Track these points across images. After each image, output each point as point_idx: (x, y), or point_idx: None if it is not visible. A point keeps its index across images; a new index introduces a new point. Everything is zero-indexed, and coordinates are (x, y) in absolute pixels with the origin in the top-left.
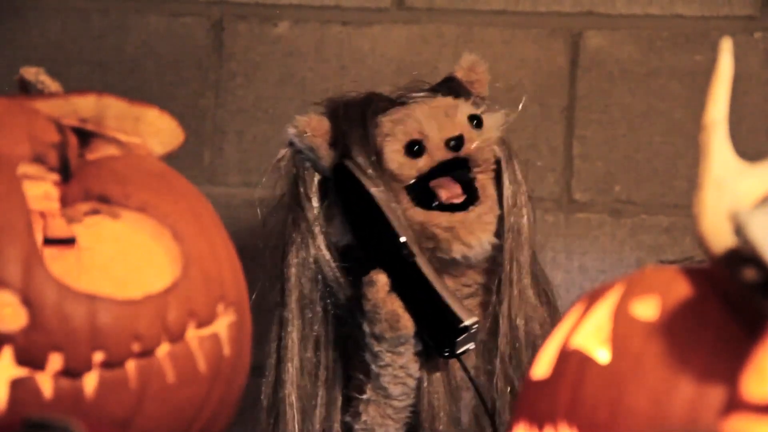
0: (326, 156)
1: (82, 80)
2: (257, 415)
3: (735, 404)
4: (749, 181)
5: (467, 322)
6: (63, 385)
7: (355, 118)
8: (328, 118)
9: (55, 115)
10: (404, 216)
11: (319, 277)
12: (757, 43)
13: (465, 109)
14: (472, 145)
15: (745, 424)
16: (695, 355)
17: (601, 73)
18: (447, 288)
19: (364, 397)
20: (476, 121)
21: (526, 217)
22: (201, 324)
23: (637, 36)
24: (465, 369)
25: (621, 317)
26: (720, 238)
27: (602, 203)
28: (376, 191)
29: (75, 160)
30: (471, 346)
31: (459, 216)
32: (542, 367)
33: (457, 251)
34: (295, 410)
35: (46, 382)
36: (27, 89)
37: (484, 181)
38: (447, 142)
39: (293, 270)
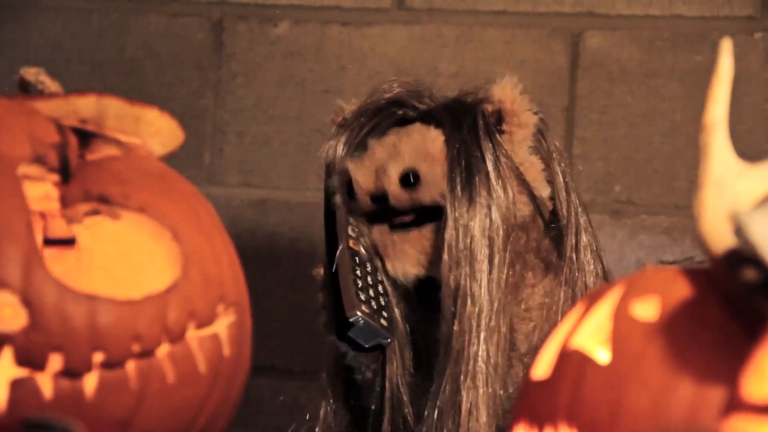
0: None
1: (82, 80)
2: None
3: (735, 404)
4: (749, 181)
5: (347, 314)
6: (63, 386)
7: (355, 127)
8: (351, 113)
9: (55, 116)
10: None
11: None
12: (757, 43)
13: (402, 163)
14: (398, 203)
15: (745, 424)
16: (695, 355)
17: (601, 73)
18: (349, 282)
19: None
20: (412, 177)
21: (471, 267)
22: (201, 324)
23: (637, 36)
24: (382, 369)
25: (621, 317)
26: (720, 238)
27: (602, 203)
28: (331, 188)
29: (75, 161)
30: (383, 341)
31: (384, 236)
32: (542, 367)
33: (384, 271)
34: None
35: (46, 383)
36: (27, 89)
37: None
38: (370, 197)
39: None
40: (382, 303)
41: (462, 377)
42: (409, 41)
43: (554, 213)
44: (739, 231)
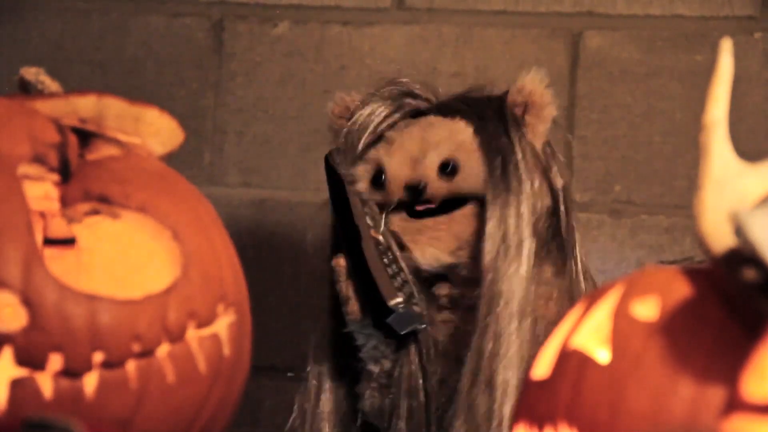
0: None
1: (82, 80)
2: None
3: (735, 404)
4: (749, 181)
5: (390, 303)
6: (63, 385)
7: (365, 120)
8: (360, 102)
9: (55, 116)
10: (374, 212)
11: None
12: (757, 43)
13: (440, 152)
14: (434, 194)
15: (745, 424)
16: (695, 355)
17: (601, 73)
18: (382, 270)
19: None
20: (451, 167)
21: (521, 265)
22: (201, 324)
23: (637, 36)
24: (420, 354)
25: (621, 317)
26: (720, 238)
27: (602, 203)
28: (345, 181)
29: (75, 161)
30: (418, 326)
31: (408, 223)
32: (542, 367)
33: (404, 258)
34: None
35: (46, 382)
36: (27, 89)
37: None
38: (406, 187)
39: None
40: (410, 290)
41: (498, 360)
42: (408, 41)
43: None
44: (739, 231)
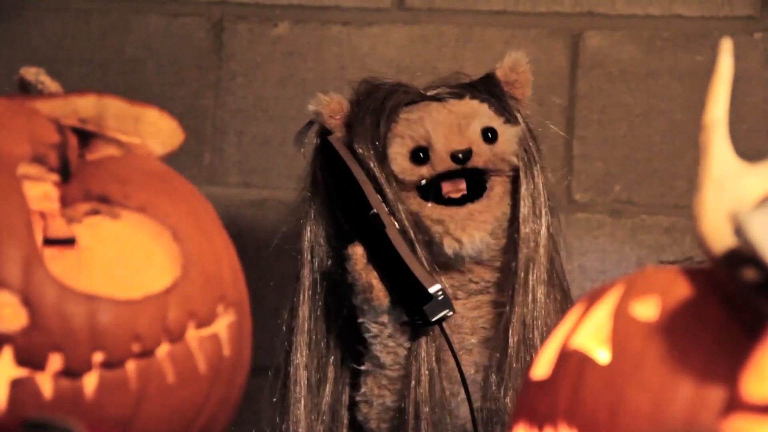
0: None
1: (82, 80)
2: (259, 408)
3: (735, 404)
4: (749, 181)
5: (430, 290)
6: (63, 386)
7: (373, 106)
8: (349, 101)
9: (55, 116)
10: (398, 203)
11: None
12: (757, 43)
13: (481, 120)
14: (480, 160)
15: (745, 424)
16: (695, 355)
17: (601, 73)
18: (414, 257)
19: (363, 368)
20: (491, 134)
21: (544, 227)
22: (201, 324)
23: (637, 36)
24: (447, 341)
25: (621, 317)
26: (720, 238)
27: (602, 203)
28: (354, 166)
29: (75, 161)
30: (448, 313)
31: (450, 210)
32: (542, 367)
33: (449, 247)
34: (302, 386)
35: (46, 383)
36: (27, 89)
37: (496, 181)
38: (453, 155)
39: (306, 245)
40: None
41: (532, 324)
42: (408, 41)
43: None
44: (739, 231)
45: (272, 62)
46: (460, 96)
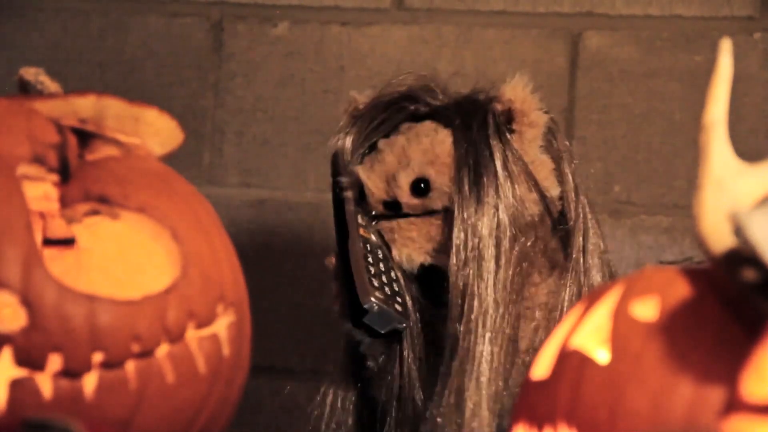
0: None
1: (82, 80)
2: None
3: (735, 404)
4: (749, 181)
5: (364, 304)
6: (62, 386)
7: (364, 123)
8: (356, 107)
9: (55, 116)
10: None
11: None
12: (757, 44)
13: (411, 171)
14: (410, 208)
15: (745, 425)
16: (695, 355)
17: (601, 74)
18: (362, 269)
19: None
20: (422, 186)
21: (479, 268)
22: (200, 324)
23: (637, 36)
24: (400, 353)
25: (621, 317)
26: (720, 238)
27: (602, 203)
28: (341, 181)
29: (74, 161)
30: (398, 326)
31: (390, 223)
32: (542, 367)
33: (395, 257)
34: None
35: (45, 383)
36: (27, 89)
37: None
38: (384, 204)
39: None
40: (396, 289)
41: (467, 378)
42: (408, 41)
43: (563, 213)
44: (738, 231)
45: (272, 62)
46: (443, 122)
